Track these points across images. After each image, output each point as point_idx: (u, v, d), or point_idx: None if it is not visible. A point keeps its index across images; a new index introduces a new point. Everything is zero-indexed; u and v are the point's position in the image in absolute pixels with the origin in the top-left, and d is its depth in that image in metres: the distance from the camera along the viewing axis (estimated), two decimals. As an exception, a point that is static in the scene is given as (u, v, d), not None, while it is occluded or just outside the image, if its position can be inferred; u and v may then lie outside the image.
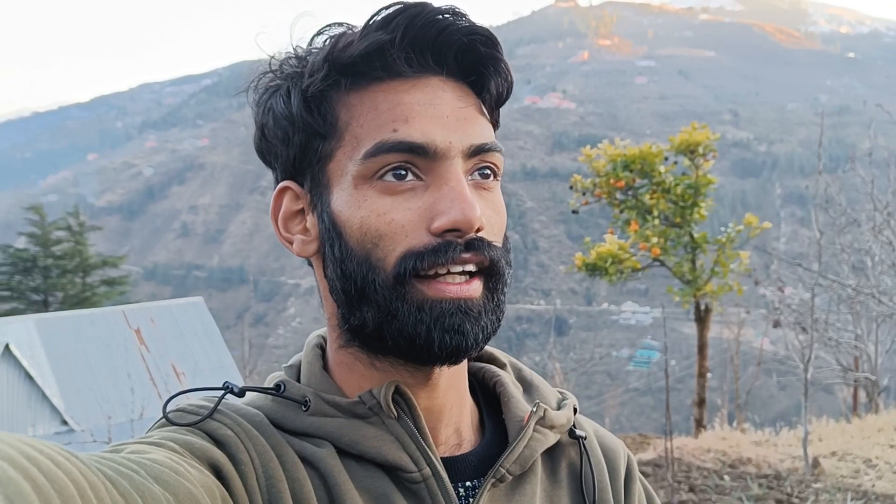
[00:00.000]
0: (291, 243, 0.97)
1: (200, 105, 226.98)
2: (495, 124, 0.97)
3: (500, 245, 0.91)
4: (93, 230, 33.62)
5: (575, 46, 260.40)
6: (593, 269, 11.37)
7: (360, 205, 0.88)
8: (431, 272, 0.86)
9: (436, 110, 0.89)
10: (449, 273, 0.87)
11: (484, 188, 0.92)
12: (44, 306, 27.59)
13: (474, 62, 0.91)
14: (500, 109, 0.98)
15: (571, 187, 11.68)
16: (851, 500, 6.79)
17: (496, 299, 0.90)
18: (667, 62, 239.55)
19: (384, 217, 0.87)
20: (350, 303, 0.91)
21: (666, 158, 11.22)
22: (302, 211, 0.96)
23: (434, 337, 0.86)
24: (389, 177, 0.88)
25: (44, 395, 16.67)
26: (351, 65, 0.90)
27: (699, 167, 11.13)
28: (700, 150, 11.01)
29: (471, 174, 0.90)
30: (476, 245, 0.87)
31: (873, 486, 7.26)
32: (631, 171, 11.12)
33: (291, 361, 1.04)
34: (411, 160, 0.88)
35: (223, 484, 0.80)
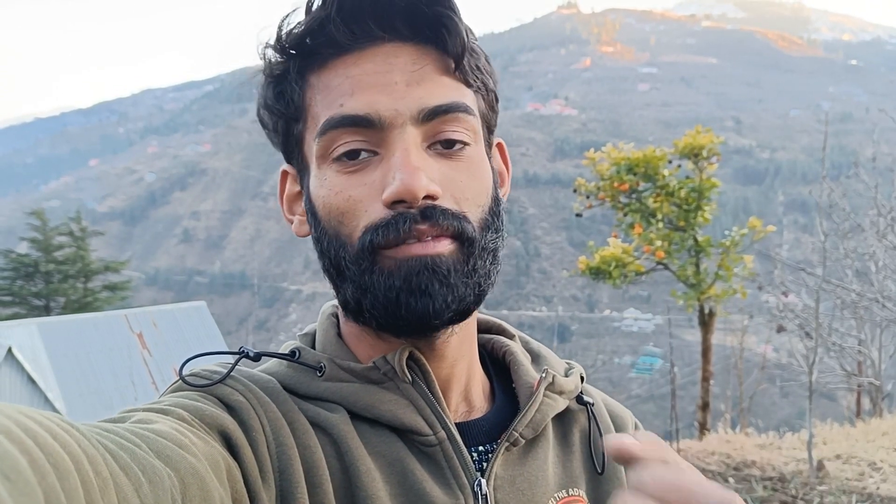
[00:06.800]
0: (292, 223, 0.99)
1: (202, 111, 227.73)
2: (472, 84, 0.92)
3: (470, 211, 0.89)
4: (95, 235, 33.57)
5: (577, 53, 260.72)
6: (597, 273, 11.36)
7: (321, 184, 0.90)
8: (392, 245, 0.86)
9: (384, 78, 0.87)
10: (406, 244, 0.85)
11: (450, 156, 0.89)
12: (45, 311, 27.54)
13: (423, 22, 0.88)
14: (488, 72, 0.95)
15: (575, 190, 11.68)
16: (856, 502, 6.77)
17: (472, 264, 0.88)
18: (669, 69, 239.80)
19: (342, 194, 0.88)
20: (333, 280, 0.92)
21: (670, 162, 11.21)
22: (300, 193, 0.98)
23: (402, 301, 0.85)
24: (344, 157, 0.88)
25: (46, 399, 16.64)
26: (298, 46, 0.90)
27: (703, 170, 11.13)
28: (704, 153, 11.01)
29: (432, 143, 0.89)
30: (429, 214, 0.85)
31: (878, 488, 7.25)
32: (634, 174, 11.11)
33: (306, 330, 1.04)
34: (363, 135, 0.87)
35: (232, 452, 0.80)
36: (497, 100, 0.98)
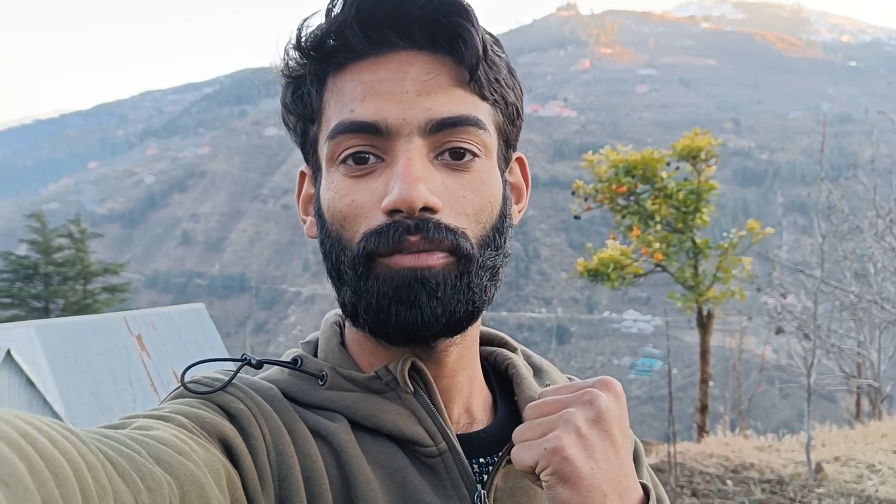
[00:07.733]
0: (305, 224, 1.00)
1: (202, 113, 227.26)
2: (487, 97, 0.91)
3: (469, 228, 0.88)
4: (94, 237, 33.62)
5: (576, 55, 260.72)
6: (595, 275, 11.36)
7: (329, 187, 0.90)
8: (385, 254, 0.86)
9: (396, 86, 0.87)
10: (400, 254, 0.85)
11: (457, 169, 0.88)
12: (45, 313, 27.55)
13: (440, 32, 0.87)
14: (510, 84, 0.93)
15: (573, 193, 11.68)
16: (855, 505, 6.77)
17: (467, 280, 0.87)
18: (668, 71, 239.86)
19: (346, 199, 0.88)
20: (334, 283, 0.92)
21: (668, 164, 11.22)
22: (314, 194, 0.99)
23: (392, 310, 0.85)
24: (351, 161, 0.88)
25: (45, 402, 16.62)
26: (316, 48, 0.90)
27: (701, 173, 11.14)
28: (702, 155, 11.02)
29: (439, 153, 0.88)
30: (421, 227, 0.84)
31: (876, 491, 7.24)
32: (633, 176, 11.12)
33: (308, 338, 1.04)
34: (370, 141, 0.87)
35: (232, 460, 0.80)
36: (519, 114, 0.96)
